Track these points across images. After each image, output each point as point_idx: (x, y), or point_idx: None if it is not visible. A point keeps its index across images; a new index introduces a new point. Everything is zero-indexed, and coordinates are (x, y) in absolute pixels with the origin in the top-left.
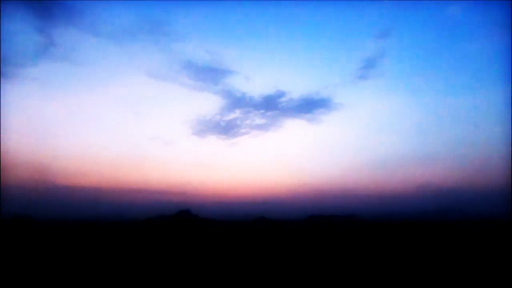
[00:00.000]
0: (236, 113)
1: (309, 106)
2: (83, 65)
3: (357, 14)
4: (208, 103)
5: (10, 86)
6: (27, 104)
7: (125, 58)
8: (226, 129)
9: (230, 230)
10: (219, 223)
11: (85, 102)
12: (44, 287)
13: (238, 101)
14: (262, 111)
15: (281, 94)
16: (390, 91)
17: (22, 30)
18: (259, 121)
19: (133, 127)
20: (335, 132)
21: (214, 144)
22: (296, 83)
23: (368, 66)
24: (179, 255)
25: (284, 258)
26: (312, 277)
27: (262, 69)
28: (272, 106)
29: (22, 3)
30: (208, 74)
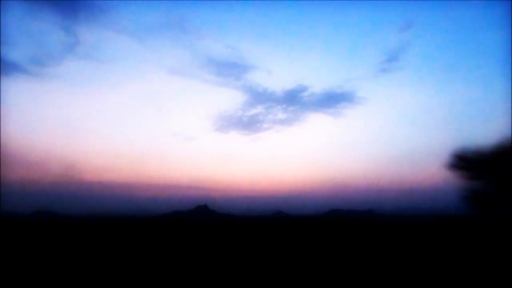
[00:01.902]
0: (258, 108)
1: (332, 100)
2: (107, 63)
3: (379, 7)
4: (230, 99)
5: (39, 84)
6: (54, 102)
7: (148, 55)
8: (248, 124)
9: (244, 224)
10: (235, 217)
11: (109, 99)
12: (65, 281)
13: (260, 96)
14: (284, 106)
15: (303, 88)
16: (414, 84)
17: (49, 30)
18: (281, 116)
19: (156, 123)
20: (358, 126)
21: (236, 139)
22: (318, 77)
23: (391, 59)
24: (188, 251)
25: (294, 254)
26: (321, 274)
27: (283, 64)
28: (295, 101)
29: (49, 4)
30: (230, 69)
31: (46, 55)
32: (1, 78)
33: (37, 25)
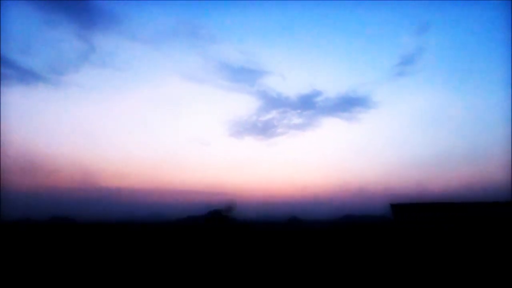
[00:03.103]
0: (273, 114)
1: (347, 104)
2: (122, 70)
3: (394, 9)
4: (244, 104)
5: (56, 92)
6: (71, 109)
7: (162, 62)
8: (263, 129)
9: (257, 230)
10: (248, 223)
11: (125, 105)
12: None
13: (274, 101)
14: (299, 110)
15: (317, 93)
16: (430, 88)
17: (64, 38)
18: (296, 121)
19: (171, 129)
20: (373, 131)
21: (251, 145)
22: (332, 81)
23: (406, 63)
24: (198, 256)
25: (310, 262)
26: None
27: (297, 69)
28: (309, 106)
29: (66, 13)
30: (244, 75)
31: (63, 63)
32: (22, 87)
33: (54, 34)
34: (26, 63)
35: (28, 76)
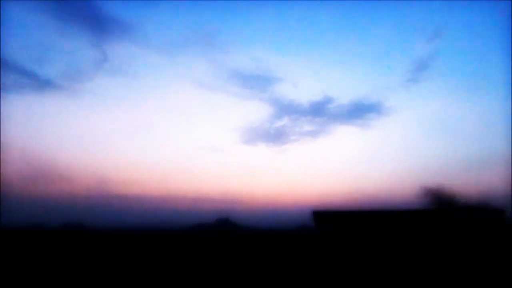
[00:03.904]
0: (285, 121)
1: (359, 111)
2: (134, 77)
3: (406, 14)
4: (256, 111)
5: (70, 100)
6: (85, 116)
7: (174, 70)
8: (275, 136)
9: (265, 238)
10: (257, 230)
11: (137, 113)
12: None
13: (286, 108)
14: (311, 117)
15: (329, 99)
16: (445, 94)
17: (79, 47)
18: (308, 128)
19: (184, 136)
20: (387, 138)
21: (263, 151)
22: (344, 88)
23: (420, 69)
24: (205, 265)
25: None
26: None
27: (309, 75)
28: (321, 112)
29: (80, 22)
30: (255, 82)
31: (78, 71)
32: (38, 95)
33: (69, 43)
34: (42, 72)
35: (44, 84)
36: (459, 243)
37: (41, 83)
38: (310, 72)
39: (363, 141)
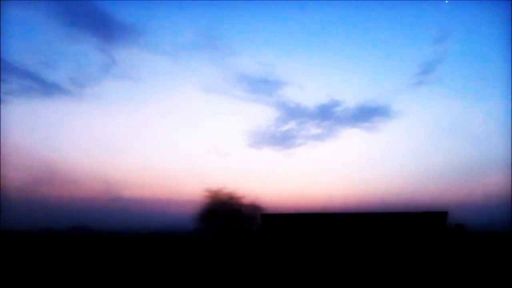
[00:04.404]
0: (291, 124)
1: (366, 114)
2: (142, 82)
3: (413, 17)
4: (263, 115)
5: (78, 104)
6: (92, 121)
7: (182, 74)
8: (282, 140)
9: (266, 242)
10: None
11: (144, 117)
12: None
13: (292, 112)
14: (317, 121)
15: (336, 103)
16: (452, 96)
17: (86, 52)
18: (314, 131)
19: (191, 140)
20: (394, 141)
21: (270, 155)
22: (351, 91)
23: (427, 71)
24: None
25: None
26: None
27: (315, 79)
28: (327, 116)
29: (87, 27)
30: (262, 85)
31: (85, 76)
32: (45, 99)
33: (76, 47)
34: (49, 76)
35: (51, 88)
36: (401, 244)
37: (48, 87)
38: (317, 76)
39: (370, 144)
